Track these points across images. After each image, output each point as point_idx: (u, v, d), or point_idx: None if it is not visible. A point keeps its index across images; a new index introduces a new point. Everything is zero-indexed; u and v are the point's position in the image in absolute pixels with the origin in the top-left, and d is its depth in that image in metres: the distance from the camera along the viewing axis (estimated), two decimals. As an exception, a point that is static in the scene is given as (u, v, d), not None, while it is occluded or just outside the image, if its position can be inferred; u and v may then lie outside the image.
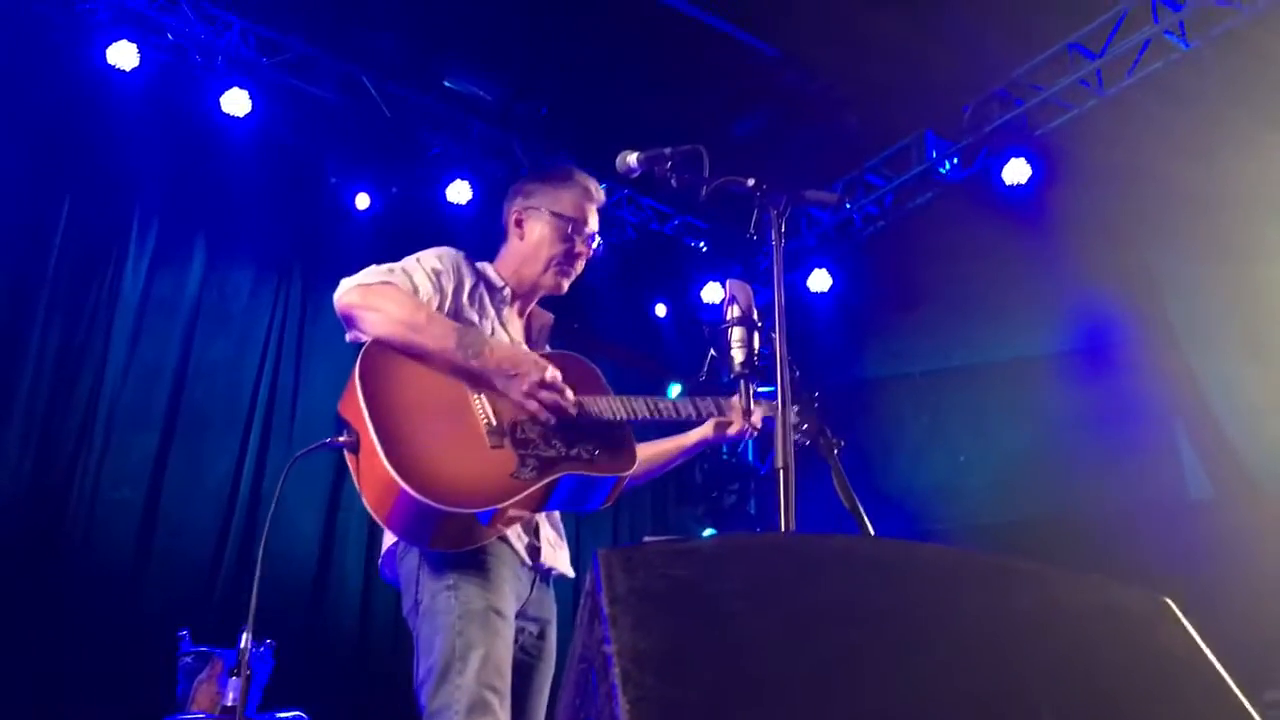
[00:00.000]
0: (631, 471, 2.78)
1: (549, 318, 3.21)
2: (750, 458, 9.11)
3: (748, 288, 2.46)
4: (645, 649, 1.26)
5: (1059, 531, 6.79)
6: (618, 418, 2.82)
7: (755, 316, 2.43)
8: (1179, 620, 1.52)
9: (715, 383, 2.76)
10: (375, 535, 6.94)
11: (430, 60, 7.17)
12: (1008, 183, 7.09)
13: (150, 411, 6.49)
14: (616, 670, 1.22)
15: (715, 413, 2.97)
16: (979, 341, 7.94)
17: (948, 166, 7.69)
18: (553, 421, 2.72)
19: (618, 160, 2.84)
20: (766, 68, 7.06)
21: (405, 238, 5.63)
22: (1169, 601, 1.54)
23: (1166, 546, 6.16)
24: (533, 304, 3.16)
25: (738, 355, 2.38)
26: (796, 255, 8.43)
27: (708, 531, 8.65)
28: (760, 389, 2.57)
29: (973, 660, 1.39)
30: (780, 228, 2.49)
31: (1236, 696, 1.43)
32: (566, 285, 3.12)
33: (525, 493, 2.57)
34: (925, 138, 7.67)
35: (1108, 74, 6.68)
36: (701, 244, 8.74)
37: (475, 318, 2.92)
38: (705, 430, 3.08)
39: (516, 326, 3.08)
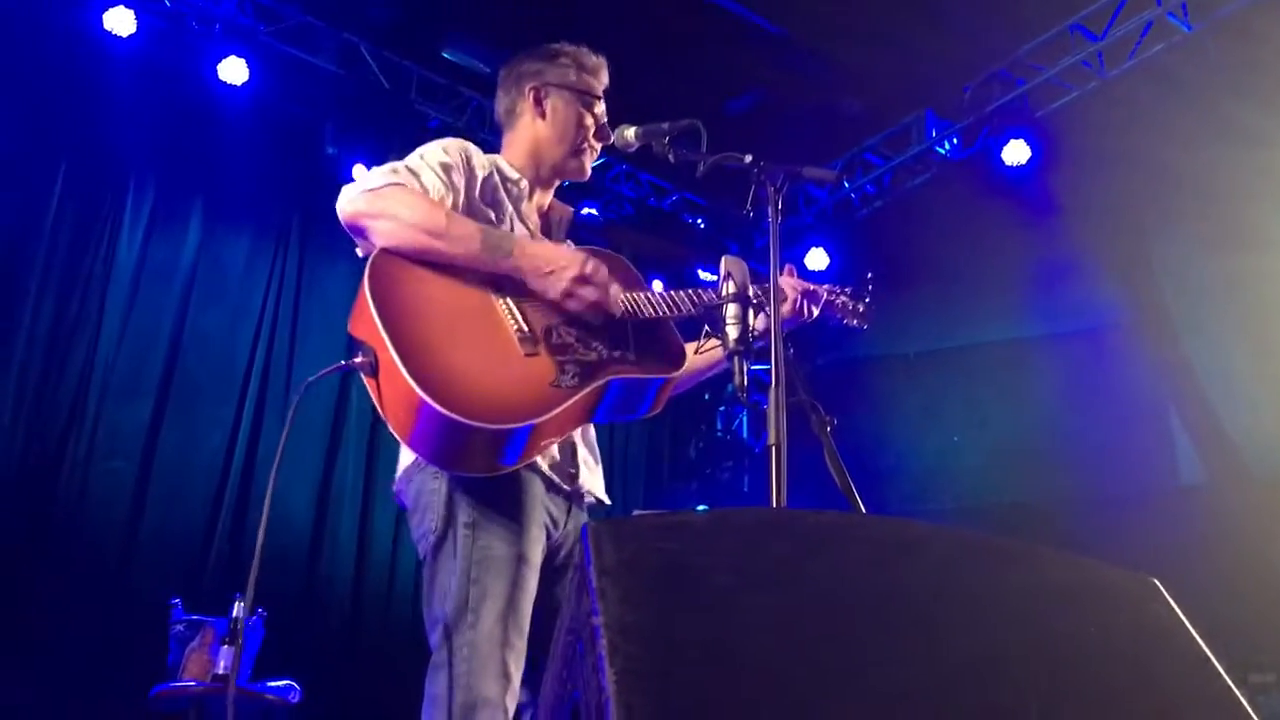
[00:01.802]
0: (682, 371, 2.54)
1: (568, 211, 2.94)
2: (744, 435, 9.13)
3: (743, 264, 2.42)
4: (633, 622, 1.26)
5: (1051, 515, 6.82)
6: (663, 314, 2.59)
7: (751, 293, 2.41)
8: (1166, 600, 1.53)
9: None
10: (369, 505, 7.03)
11: (429, 31, 7.13)
12: (1008, 163, 7.07)
13: (144, 381, 6.48)
14: (604, 641, 1.22)
15: (766, 304, 2.54)
16: (975, 322, 7.94)
17: (947, 146, 7.67)
18: (598, 322, 2.49)
19: (616, 135, 2.82)
20: (768, 45, 7.03)
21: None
22: (1156, 582, 1.55)
23: (1157, 531, 6.19)
24: (550, 195, 2.90)
25: (732, 332, 2.36)
26: (794, 234, 8.41)
27: (700, 508, 8.67)
28: (754, 366, 2.53)
29: (961, 637, 1.39)
30: (777, 204, 2.46)
31: (1221, 675, 1.44)
32: (589, 169, 2.91)
33: (569, 402, 2.32)
34: (925, 117, 7.64)
35: (1109, 56, 6.66)
36: (699, 221, 8.72)
37: (491, 215, 2.64)
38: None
39: (535, 222, 2.80)
